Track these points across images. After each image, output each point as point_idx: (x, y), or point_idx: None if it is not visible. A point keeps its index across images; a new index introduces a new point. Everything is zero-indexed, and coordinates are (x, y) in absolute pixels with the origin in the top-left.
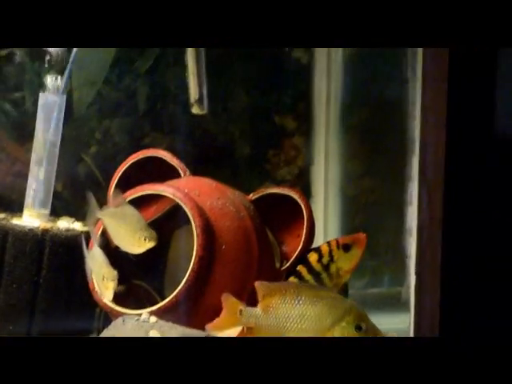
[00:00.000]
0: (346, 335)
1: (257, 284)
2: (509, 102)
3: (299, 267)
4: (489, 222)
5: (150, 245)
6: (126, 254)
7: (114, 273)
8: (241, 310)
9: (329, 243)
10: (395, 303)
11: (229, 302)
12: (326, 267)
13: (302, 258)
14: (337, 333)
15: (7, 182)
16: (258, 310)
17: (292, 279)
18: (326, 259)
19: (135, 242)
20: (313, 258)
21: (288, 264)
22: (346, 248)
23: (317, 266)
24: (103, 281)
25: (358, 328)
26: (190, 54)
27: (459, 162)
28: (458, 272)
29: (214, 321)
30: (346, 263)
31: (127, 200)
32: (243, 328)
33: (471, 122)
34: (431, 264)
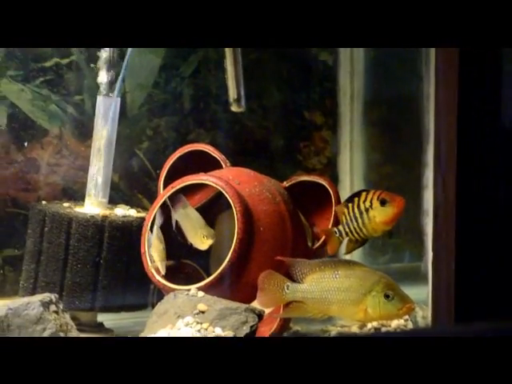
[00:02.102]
0: (376, 303)
1: (299, 262)
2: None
3: (355, 199)
4: (497, 202)
5: (209, 242)
6: (177, 236)
7: (161, 247)
8: (287, 286)
9: (374, 192)
10: (415, 276)
11: (274, 278)
12: (367, 210)
13: (353, 196)
14: (369, 301)
15: (71, 175)
16: (303, 284)
17: (344, 209)
18: (367, 203)
19: (198, 239)
20: (362, 197)
21: (318, 243)
22: (383, 202)
23: (362, 206)
24: (155, 255)
25: (386, 296)
26: (229, 58)
27: (469, 148)
28: (470, 248)
29: (260, 297)
30: (379, 214)
31: (175, 189)
32: (280, 306)
33: (479, 113)
34: (446, 241)
